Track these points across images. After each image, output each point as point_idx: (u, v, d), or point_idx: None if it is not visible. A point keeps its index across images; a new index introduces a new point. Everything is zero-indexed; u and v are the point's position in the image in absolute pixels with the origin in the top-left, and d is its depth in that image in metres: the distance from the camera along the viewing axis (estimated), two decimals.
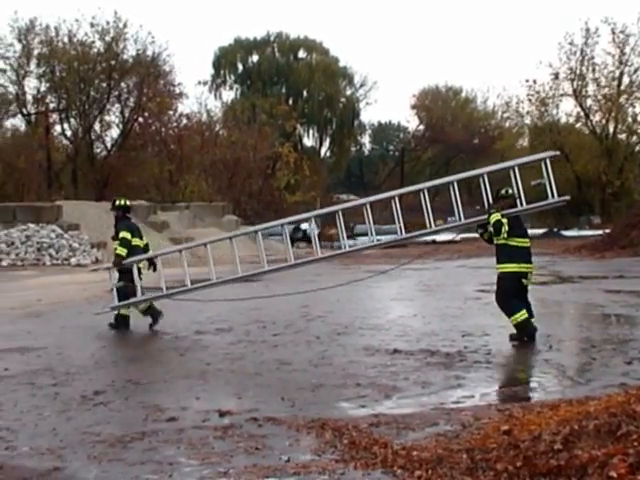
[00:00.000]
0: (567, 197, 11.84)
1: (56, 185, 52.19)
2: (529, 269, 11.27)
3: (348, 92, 76.51)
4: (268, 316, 14.64)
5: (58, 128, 56.05)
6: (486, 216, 11.42)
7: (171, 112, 56.91)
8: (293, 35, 75.44)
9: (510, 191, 11.54)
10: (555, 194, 11.56)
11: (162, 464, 6.15)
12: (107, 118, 55.62)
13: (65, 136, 56.54)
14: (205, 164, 55.91)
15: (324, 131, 75.41)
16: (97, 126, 55.61)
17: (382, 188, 63.14)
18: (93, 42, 52.78)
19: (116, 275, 13.36)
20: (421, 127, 78.86)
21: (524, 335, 11.14)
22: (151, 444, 6.67)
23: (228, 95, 74.64)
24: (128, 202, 14.17)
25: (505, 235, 11.12)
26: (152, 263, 13.52)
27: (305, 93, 73.78)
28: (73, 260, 31.52)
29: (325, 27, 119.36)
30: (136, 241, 13.64)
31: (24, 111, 53.94)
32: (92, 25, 52.33)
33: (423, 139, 77.88)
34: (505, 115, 67.20)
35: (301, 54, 75.88)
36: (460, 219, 11.78)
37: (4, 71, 51.84)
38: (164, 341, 12.17)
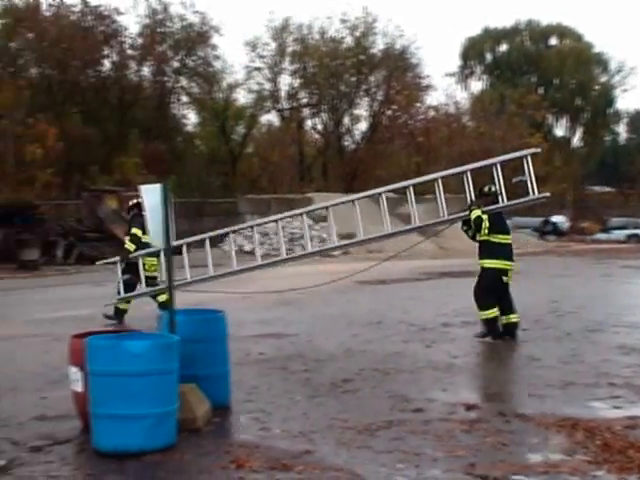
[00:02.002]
0: (547, 194, 11.72)
1: (307, 178, 53.97)
2: (509, 266, 11.30)
3: (602, 79, 73.36)
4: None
5: (309, 123, 58.00)
6: (468, 212, 11.40)
7: (419, 104, 57.17)
8: (544, 22, 73.38)
9: (493, 188, 11.48)
10: (536, 191, 11.31)
11: (408, 454, 6.19)
12: (356, 112, 56.81)
13: (316, 130, 58.36)
14: (452, 156, 55.65)
15: (576, 120, 72.74)
16: (346, 120, 56.91)
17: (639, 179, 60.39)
18: (343, 38, 54.13)
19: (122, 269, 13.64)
20: None
21: (491, 333, 11.27)
22: (398, 433, 6.74)
23: (476, 86, 73.82)
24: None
25: (486, 231, 11.24)
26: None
27: (556, 81, 71.53)
28: None
29: (579, 12, 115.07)
30: (147, 238, 13.78)
31: (278, 107, 56.18)
32: (342, 21, 53.71)
33: None
34: None
35: (552, 41, 73.64)
36: (444, 215, 11.63)
37: (260, 69, 54.27)
38: (411, 332, 12.25)
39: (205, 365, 7.46)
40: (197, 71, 52.79)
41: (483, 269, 11.45)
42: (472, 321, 13.24)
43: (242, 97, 56.54)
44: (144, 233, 13.28)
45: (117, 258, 13.91)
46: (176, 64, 51.92)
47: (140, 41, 50.16)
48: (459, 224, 11.92)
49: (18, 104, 42.35)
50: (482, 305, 11.34)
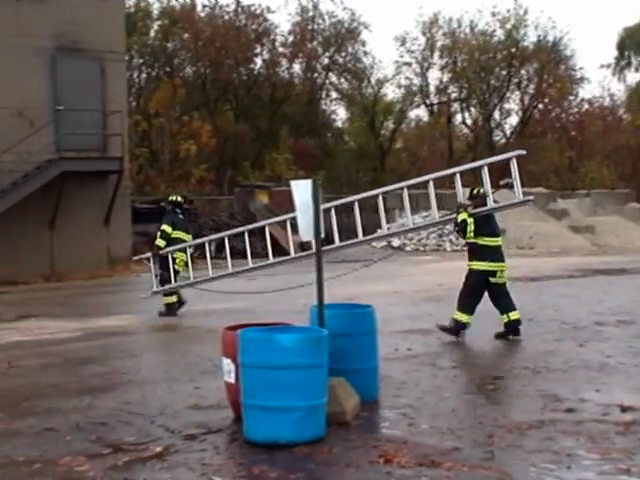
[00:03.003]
0: (531, 197, 11.93)
1: None
2: (499, 267, 11.29)
3: None
4: None
5: (459, 117, 57.42)
6: (456, 215, 11.47)
7: (572, 97, 55.67)
8: None
9: (482, 190, 11.47)
10: (520, 194, 11.40)
11: (560, 454, 6.04)
12: (506, 106, 55.83)
13: (465, 125, 57.71)
14: (607, 150, 53.90)
15: None
16: (497, 114, 56.03)
17: None
18: (494, 31, 53.31)
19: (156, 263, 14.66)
20: None
21: (453, 333, 11.31)
22: (549, 433, 6.59)
23: (633, 77, 71.16)
24: (180, 198, 15.40)
25: (471, 234, 11.19)
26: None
27: None
28: None
29: None
30: (177, 234, 14.76)
31: (427, 102, 55.91)
32: (493, 14, 52.96)
33: None
34: None
35: None
36: (435, 217, 12.01)
37: (409, 64, 54.14)
38: (563, 331, 11.94)
39: (354, 359, 7.52)
40: (347, 67, 53.20)
41: (470, 271, 11.42)
42: (628, 320, 12.82)
43: (391, 92, 56.90)
44: (175, 229, 14.56)
45: (149, 254, 14.95)
46: (326, 61, 52.49)
47: (291, 39, 50.95)
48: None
49: (174, 102, 43.81)
50: (461, 307, 11.30)
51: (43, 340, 12.25)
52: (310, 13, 51.42)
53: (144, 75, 51.40)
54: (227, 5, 49.59)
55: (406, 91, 54.91)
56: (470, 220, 11.18)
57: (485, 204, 11.43)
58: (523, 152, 12.07)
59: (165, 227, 14.81)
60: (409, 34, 53.71)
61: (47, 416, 7.54)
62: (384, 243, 33.34)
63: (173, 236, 14.75)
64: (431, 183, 11.74)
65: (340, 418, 6.90)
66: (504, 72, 53.61)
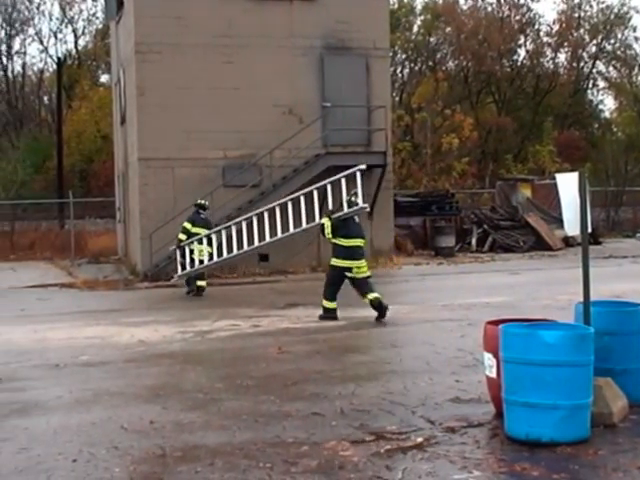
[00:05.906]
0: (366, 205, 14.56)
1: None
2: (353, 264, 13.12)
3: None
4: None
5: None
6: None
7: None
8: None
9: (344, 199, 14.15)
10: (360, 202, 14.17)
11: None
12: None
13: None
14: None
15: None
16: None
17: None
18: None
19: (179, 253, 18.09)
20: None
21: (327, 318, 13.25)
22: None
23: None
24: (204, 202, 18.27)
25: (329, 235, 13.30)
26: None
27: None
28: None
29: None
30: (196, 230, 17.74)
31: None
32: None
33: None
34: None
35: None
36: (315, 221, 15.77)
37: None
38: None
39: (622, 359, 7.24)
40: (616, 55, 51.03)
41: (329, 266, 13.57)
42: None
43: None
44: (194, 226, 17.75)
45: (173, 246, 18.12)
46: (593, 49, 50.63)
47: (556, 28, 49.61)
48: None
49: (436, 96, 44.00)
50: (326, 296, 13.35)
51: (310, 328, 12.75)
52: (576, 0, 49.79)
53: (407, 70, 52.03)
54: None
55: None
56: (328, 223, 13.30)
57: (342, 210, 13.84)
58: (364, 167, 15.41)
59: (186, 224, 17.79)
60: None
61: (314, 401, 7.87)
62: None
63: (193, 231, 17.70)
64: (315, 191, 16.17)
65: (606, 420, 6.68)
66: None
